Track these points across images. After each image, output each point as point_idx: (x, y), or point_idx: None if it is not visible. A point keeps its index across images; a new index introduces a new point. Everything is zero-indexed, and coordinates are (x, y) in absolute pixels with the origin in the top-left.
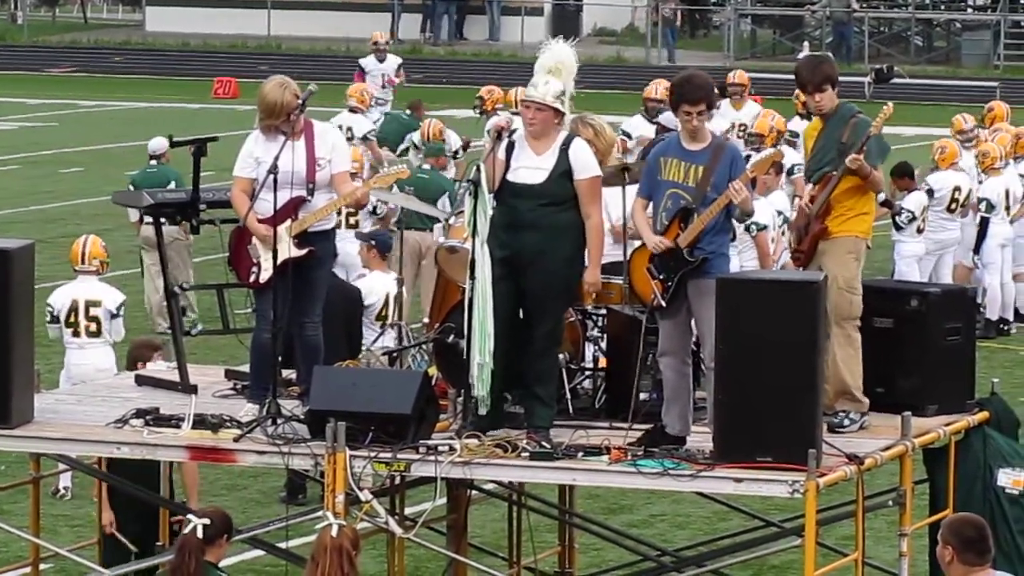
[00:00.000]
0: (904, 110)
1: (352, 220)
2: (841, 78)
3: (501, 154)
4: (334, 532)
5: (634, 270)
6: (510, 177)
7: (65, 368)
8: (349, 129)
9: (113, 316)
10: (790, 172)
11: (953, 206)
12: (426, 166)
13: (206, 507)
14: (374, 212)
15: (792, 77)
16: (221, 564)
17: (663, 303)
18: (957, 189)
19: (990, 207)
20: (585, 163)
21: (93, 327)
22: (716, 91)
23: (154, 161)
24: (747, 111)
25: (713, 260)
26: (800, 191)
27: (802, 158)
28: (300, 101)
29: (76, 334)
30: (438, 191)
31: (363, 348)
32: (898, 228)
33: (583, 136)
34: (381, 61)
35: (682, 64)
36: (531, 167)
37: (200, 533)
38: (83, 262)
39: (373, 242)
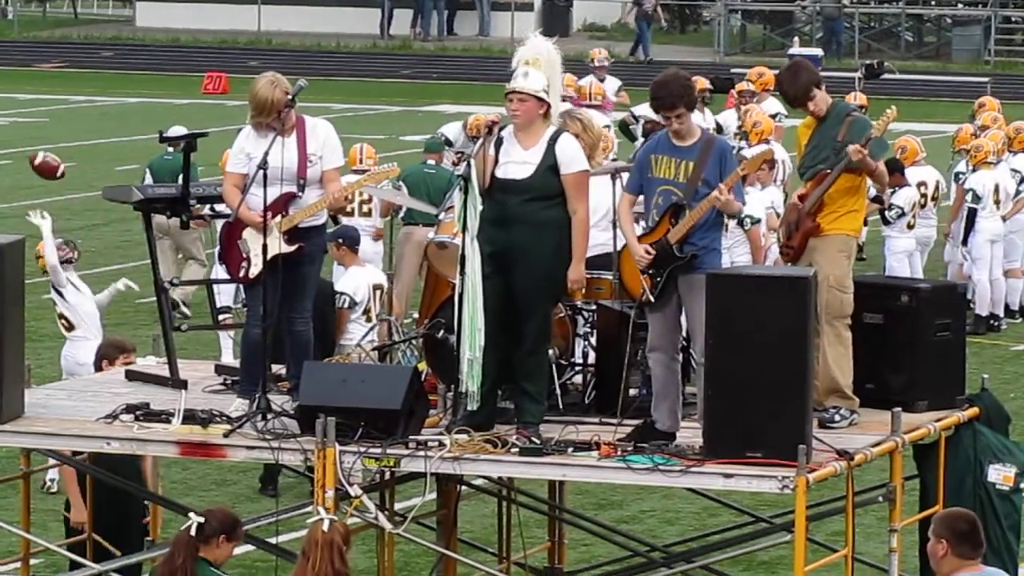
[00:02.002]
0: (894, 105)
1: (365, 208)
2: (831, 73)
3: (491, 150)
4: (325, 527)
5: (624, 264)
6: (498, 173)
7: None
8: None
9: (59, 292)
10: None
11: (923, 201)
12: (431, 161)
13: (213, 507)
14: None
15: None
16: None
17: (651, 299)
18: (923, 184)
19: (976, 198)
20: (572, 157)
21: (64, 322)
22: (694, 88)
23: (171, 148)
24: (767, 107)
25: (704, 255)
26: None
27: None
28: (290, 97)
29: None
30: (446, 185)
31: (354, 344)
32: (886, 223)
33: (570, 130)
34: (601, 81)
35: (668, 60)
36: (518, 162)
37: (193, 531)
38: None
39: (342, 239)
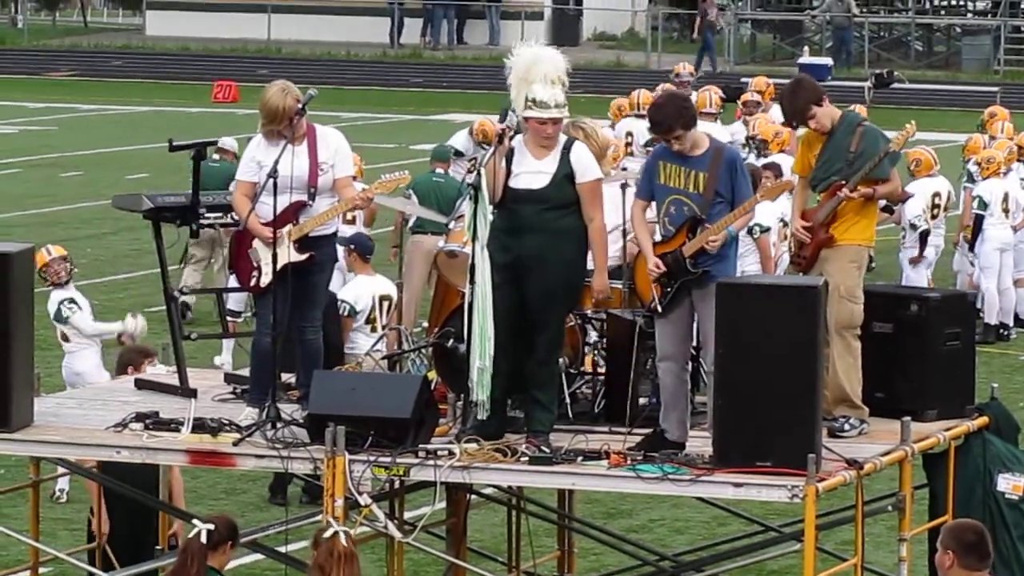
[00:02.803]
0: (904, 115)
1: (349, 216)
2: (841, 83)
3: (502, 162)
4: (343, 539)
5: (639, 269)
6: (511, 183)
7: None
8: (629, 134)
9: (58, 319)
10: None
11: (936, 211)
12: (439, 170)
13: (212, 514)
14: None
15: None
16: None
17: (659, 308)
18: (937, 195)
19: (983, 204)
20: (587, 166)
21: (61, 334)
22: (692, 108)
23: (217, 156)
24: (774, 115)
25: (716, 264)
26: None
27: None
28: (301, 105)
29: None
30: (456, 193)
31: (359, 353)
32: (922, 242)
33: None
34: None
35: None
36: (533, 172)
37: (204, 538)
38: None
39: (352, 246)
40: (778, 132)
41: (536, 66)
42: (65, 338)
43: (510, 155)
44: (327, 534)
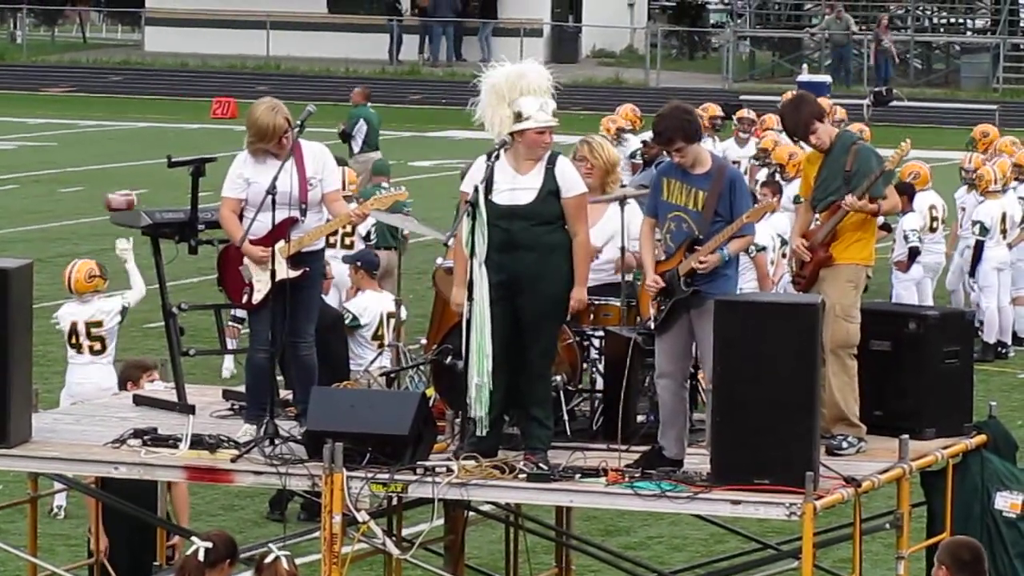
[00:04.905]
0: (903, 132)
1: (348, 241)
2: (840, 100)
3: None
4: (284, 563)
5: (644, 286)
6: (497, 199)
7: (67, 386)
8: None
9: (119, 323)
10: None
11: (934, 224)
12: (384, 185)
13: (211, 531)
14: (367, 239)
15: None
16: None
17: (652, 324)
18: (933, 207)
19: (984, 230)
20: (572, 181)
21: (97, 346)
22: (695, 122)
23: None
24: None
25: (714, 281)
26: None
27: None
28: (298, 123)
29: (79, 351)
30: (401, 209)
31: (362, 369)
32: (915, 255)
33: (578, 153)
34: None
35: (676, 87)
36: (518, 188)
37: (201, 556)
38: (70, 290)
39: (359, 262)
40: (792, 154)
41: (522, 80)
42: (99, 351)
43: (490, 174)
44: (269, 559)
